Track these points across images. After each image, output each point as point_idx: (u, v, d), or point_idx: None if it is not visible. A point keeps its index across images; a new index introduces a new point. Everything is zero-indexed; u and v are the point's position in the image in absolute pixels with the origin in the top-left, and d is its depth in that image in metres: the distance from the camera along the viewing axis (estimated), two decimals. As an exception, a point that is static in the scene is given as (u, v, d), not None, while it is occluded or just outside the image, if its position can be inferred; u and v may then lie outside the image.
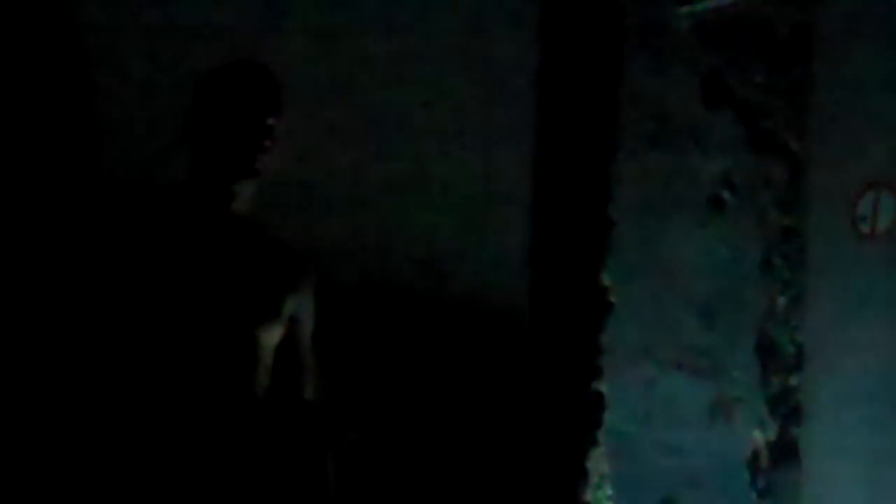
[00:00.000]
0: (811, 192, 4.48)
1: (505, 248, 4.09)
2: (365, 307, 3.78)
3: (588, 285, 4.12)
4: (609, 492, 4.12)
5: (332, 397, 3.16)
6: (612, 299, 4.15)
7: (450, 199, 3.97)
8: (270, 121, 2.89)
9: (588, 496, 4.12)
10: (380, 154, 3.84)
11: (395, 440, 3.85)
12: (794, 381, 4.43)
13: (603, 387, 4.13)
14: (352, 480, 3.41)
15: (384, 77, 3.91)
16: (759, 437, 4.37)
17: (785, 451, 4.42)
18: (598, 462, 4.10)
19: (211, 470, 2.90)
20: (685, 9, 4.24)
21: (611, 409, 4.15)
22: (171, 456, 2.87)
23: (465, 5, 4.04)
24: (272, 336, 2.96)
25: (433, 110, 3.99)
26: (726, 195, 4.31)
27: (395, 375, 3.86)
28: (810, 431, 4.45)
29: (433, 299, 3.94)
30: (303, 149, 3.67)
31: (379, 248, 3.85)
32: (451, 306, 3.96)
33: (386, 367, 3.85)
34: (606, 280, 4.12)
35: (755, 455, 4.38)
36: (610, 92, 4.15)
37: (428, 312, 3.92)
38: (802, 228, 4.45)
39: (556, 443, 4.10)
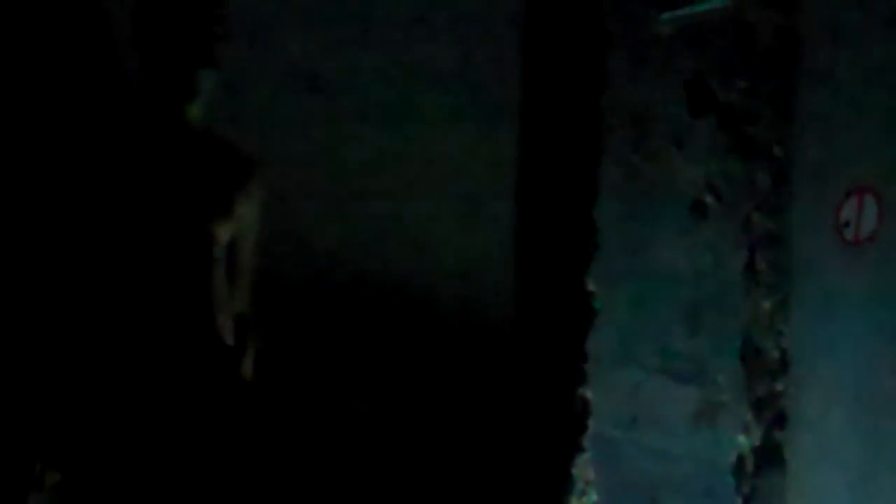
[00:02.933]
0: (795, 197, 4.52)
1: (489, 254, 4.13)
2: (355, 308, 3.82)
3: (573, 291, 4.17)
4: (594, 497, 4.16)
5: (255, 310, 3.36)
6: (597, 305, 4.18)
7: (435, 202, 4.02)
8: (218, 10, 3.16)
9: (573, 502, 4.14)
10: (368, 165, 3.90)
11: (380, 444, 3.89)
12: (778, 386, 4.48)
13: (588, 392, 4.18)
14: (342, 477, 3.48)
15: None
16: (743, 443, 4.42)
17: (770, 457, 4.47)
18: (584, 468, 4.14)
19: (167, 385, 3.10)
20: (667, 14, 4.29)
21: (596, 415, 4.19)
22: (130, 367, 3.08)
23: (444, 21, 4.08)
24: (226, 232, 3.20)
25: (417, 118, 4.03)
26: (710, 200, 4.37)
27: (380, 377, 3.90)
28: (795, 437, 4.49)
29: (419, 305, 3.99)
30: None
31: (370, 251, 3.90)
32: (436, 312, 4.00)
33: (372, 368, 3.89)
34: (591, 286, 4.16)
35: (740, 460, 4.42)
36: (592, 98, 4.20)
37: (414, 318, 3.96)
38: (786, 234, 4.49)
39: (541, 448, 4.14)
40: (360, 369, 3.97)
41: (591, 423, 4.24)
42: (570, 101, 4.30)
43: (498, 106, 4.23)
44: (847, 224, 4.57)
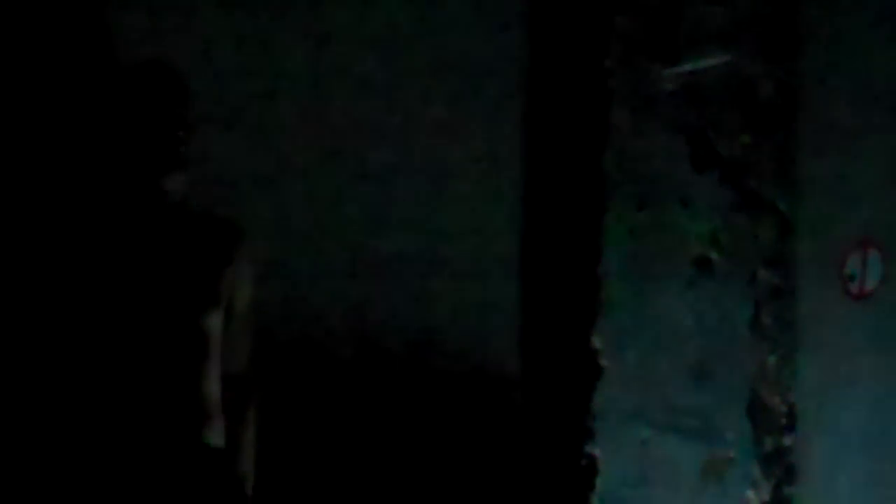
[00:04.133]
0: (799, 251, 4.54)
1: (495, 312, 4.14)
2: (356, 363, 3.83)
3: (578, 348, 4.17)
4: (604, 556, 4.16)
5: (258, 370, 3.41)
6: (603, 361, 4.19)
7: (440, 262, 4.03)
8: (180, 111, 3.18)
9: (583, 560, 4.15)
10: (373, 216, 3.91)
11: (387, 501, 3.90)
12: (786, 441, 4.50)
13: (595, 450, 4.17)
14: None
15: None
16: (752, 498, 4.43)
17: (779, 512, 4.48)
18: (593, 525, 4.14)
19: (162, 470, 3.12)
20: (670, 70, 4.32)
21: (603, 473, 4.19)
22: (120, 456, 3.10)
23: (447, 75, 4.10)
24: (218, 320, 3.24)
25: (420, 174, 4.04)
26: (714, 255, 4.40)
27: (385, 436, 3.90)
28: (804, 492, 4.50)
29: (425, 364, 3.99)
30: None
31: (373, 302, 3.90)
32: (441, 371, 4.01)
33: (376, 428, 3.89)
34: (596, 342, 4.17)
35: (749, 517, 4.44)
36: (596, 154, 4.22)
37: (419, 376, 3.97)
38: (791, 288, 4.52)
39: (549, 506, 4.15)
40: (362, 427, 3.97)
41: (599, 481, 4.23)
42: (573, 159, 4.32)
43: (500, 166, 4.25)
44: (852, 277, 4.59)
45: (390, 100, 4.05)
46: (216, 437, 3.24)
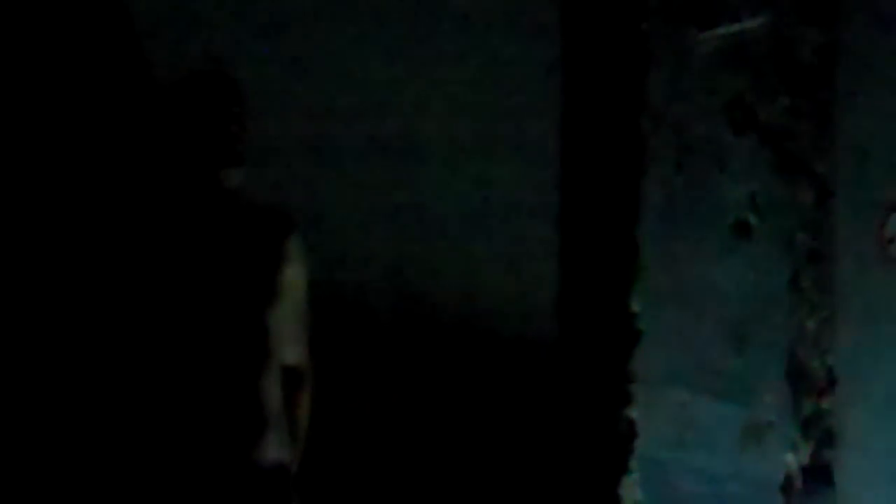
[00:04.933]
0: (838, 214, 4.54)
1: (533, 275, 4.15)
2: (400, 333, 3.86)
3: (616, 312, 4.18)
4: (642, 519, 4.18)
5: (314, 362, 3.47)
6: (641, 326, 4.20)
7: (478, 229, 4.04)
8: (235, 109, 3.28)
9: (621, 524, 4.17)
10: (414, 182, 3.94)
11: (423, 467, 3.91)
12: (825, 404, 4.50)
13: (634, 414, 4.19)
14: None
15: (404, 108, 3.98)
16: (791, 462, 4.44)
17: (818, 475, 4.50)
18: (631, 489, 4.16)
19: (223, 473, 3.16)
20: (707, 33, 4.31)
21: (642, 436, 4.21)
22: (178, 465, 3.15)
23: (484, 36, 4.11)
24: (277, 317, 3.28)
25: (457, 143, 4.05)
26: (752, 219, 4.40)
27: (424, 399, 3.93)
28: (843, 455, 4.50)
29: (464, 328, 4.01)
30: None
31: (415, 271, 3.93)
32: (480, 334, 4.03)
33: (416, 391, 3.92)
34: (635, 306, 4.17)
35: (788, 479, 4.45)
36: (634, 118, 4.22)
37: (458, 340, 3.99)
38: (830, 251, 4.52)
39: (588, 471, 4.15)
40: (402, 390, 3.99)
41: (638, 445, 4.25)
42: (611, 121, 4.32)
43: (539, 129, 4.26)
44: (891, 240, 4.59)
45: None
46: (273, 447, 3.26)
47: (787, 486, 4.51)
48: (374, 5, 3.99)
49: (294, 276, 3.34)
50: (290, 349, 3.37)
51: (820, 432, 4.57)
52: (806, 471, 4.54)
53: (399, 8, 4.03)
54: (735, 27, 4.44)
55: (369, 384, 3.86)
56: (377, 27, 3.96)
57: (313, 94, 3.86)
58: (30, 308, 3.44)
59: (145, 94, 3.61)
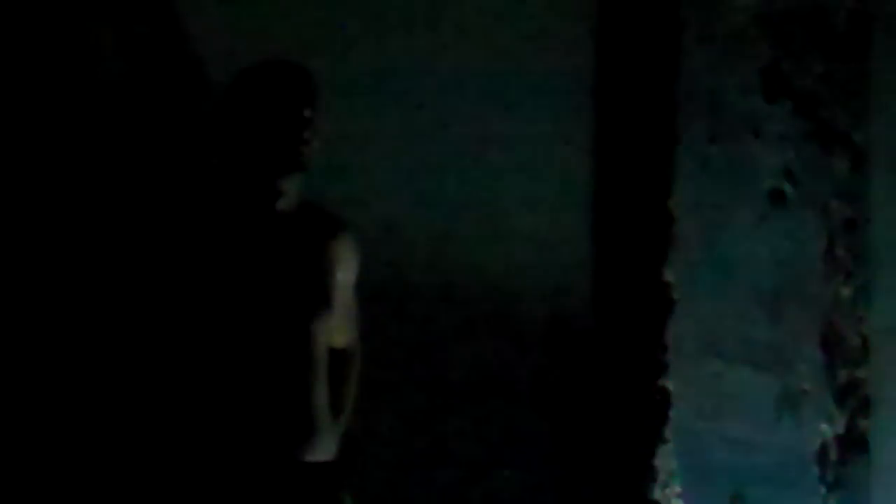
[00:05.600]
0: (872, 183, 4.53)
1: (567, 247, 4.15)
2: (436, 303, 3.86)
3: (651, 282, 4.19)
4: (678, 488, 4.18)
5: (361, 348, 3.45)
6: (676, 295, 4.20)
7: (512, 201, 4.04)
8: (307, 112, 3.10)
9: (656, 493, 4.17)
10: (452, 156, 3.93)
11: (459, 433, 3.92)
12: (861, 373, 4.51)
13: (669, 383, 4.20)
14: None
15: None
16: (827, 431, 4.46)
17: (854, 445, 4.51)
18: (666, 459, 4.17)
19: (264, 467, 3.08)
20: (740, 1, 4.30)
21: (677, 406, 4.23)
22: (224, 473, 3.07)
23: (518, 9, 4.10)
24: (326, 327, 3.19)
25: (489, 117, 4.04)
26: (787, 188, 4.40)
27: (464, 372, 3.93)
28: (879, 424, 4.51)
29: (500, 299, 4.01)
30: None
31: (449, 247, 3.93)
32: (517, 310, 4.03)
33: (454, 360, 3.92)
34: (669, 276, 4.17)
35: (824, 449, 4.46)
36: (667, 87, 4.22)
37: (496, 312, 3.99)
38: (865, 219, 4.51)
39: (623, 440, 4.17)
40: (441, 365, 4.00)
41: (673, 414, 4.25)
42: (644, 90, 4.31)
43: (572, 95, 4.25)
44: (927, 208, 4.58)
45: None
46: (321, 450, 3.17)
47: (822, 456, 4.52)
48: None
49: (344, 277, 3.25)
50: (339, 336, 3.32)
51: (855, 401, 4.57)
52: (841, 440, 4.54)
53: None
54: (769, -6, 4.43)
55: (413, 363, 3.86)
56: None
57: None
58: (75, 309, 3.35)
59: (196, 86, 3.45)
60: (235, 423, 3.05)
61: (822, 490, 4.51)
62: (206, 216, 3.15)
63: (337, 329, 3.28)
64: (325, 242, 3.20)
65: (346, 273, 3.26)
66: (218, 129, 3.18)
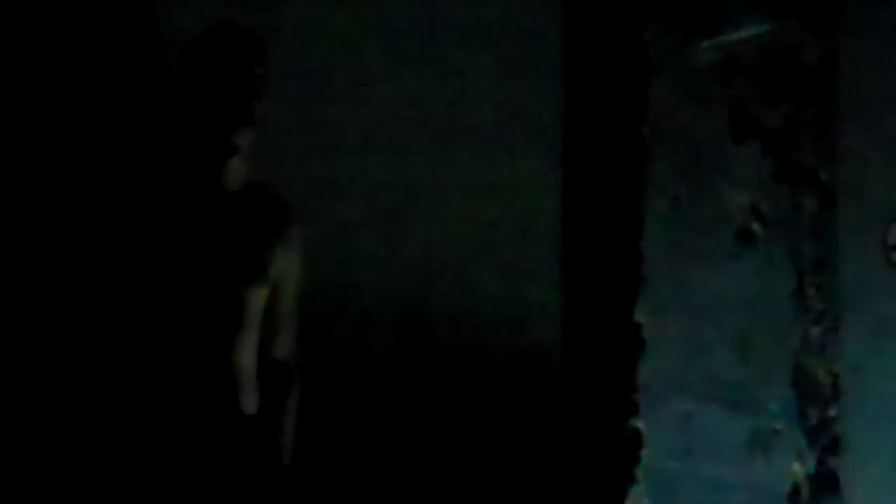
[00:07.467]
0: (841, 221, 4.56)
1: (537, 285, 4.17)
2: (398, 341, 3.86)
3: (621, 322, 4.20)
4: (650, 529, 4.20)
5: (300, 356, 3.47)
6: (646, 335, 4.22)
7: (482, 239, 4.05)
8: (258, 70, 3.25)
9: (628, 534, 4.19)
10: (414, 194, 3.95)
11: (429, 480, 3.92)
12: (831, 412, 4.53)
13: (639, 423, 4.21)
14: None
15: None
16: (798, 470, 4.47)
17: (825, 484, 4.53)
18: (638, 499, 4.18)
19: (193, 434, 3.18)
20: (709, 41, 4.34)
21: (648, 446, 4.23)
22: (155, 417, 3.17)
23: (487, 47, 4.12)
24: (260, 296, 3.29)
25: (458, 151, 4.06)
26: (756, 227, 4.44)
27: (429, 411, 3.93)
28: (850, 463, 4.53)
29: (468, 339, 4.02)
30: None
31: (418, 281, 3.94)
32: (485, 345, 4.04)
33: (419, 402, 3.92)
34: (639, 316, 4.19)
35: (795, 488, 4.49)
36: (636, 127, 4.24)
37: (462, 351, 4.00)
38: (834, 258, 4.54)
39: (594, 481, 4.17)
40: (405, 403, 4.00)
41: (644, 454, 4.27)
42: (613, 131, 4.34)
43: (541, 137, 4.27)
44: (894, 248, 4.61)
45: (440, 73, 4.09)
46: (248, 407, 3.29)
47: (793, 495, 4.54)
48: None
49: (288, 265, 3.36)
50: (280, 340, 3.40)
51: (826, 440, 4.60)
52: (812, 479, 4.56)
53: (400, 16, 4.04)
54: (737, 35, 4.46)
55: (374, 395, 3.87)
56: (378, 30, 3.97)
57: (313, 102, 3.85)
58: (25, 276, 3.40)
59: (152, 47, 3.52)
60: (172, 373, 3.17)
61: (795, 529, 4.54)
62: (159, 183, 3.25)
63: (278, 328, 3.37)
64: (273, 221, 3.32)
65: (290, 261, 3.35)
66: (175, 90, 3.31)
